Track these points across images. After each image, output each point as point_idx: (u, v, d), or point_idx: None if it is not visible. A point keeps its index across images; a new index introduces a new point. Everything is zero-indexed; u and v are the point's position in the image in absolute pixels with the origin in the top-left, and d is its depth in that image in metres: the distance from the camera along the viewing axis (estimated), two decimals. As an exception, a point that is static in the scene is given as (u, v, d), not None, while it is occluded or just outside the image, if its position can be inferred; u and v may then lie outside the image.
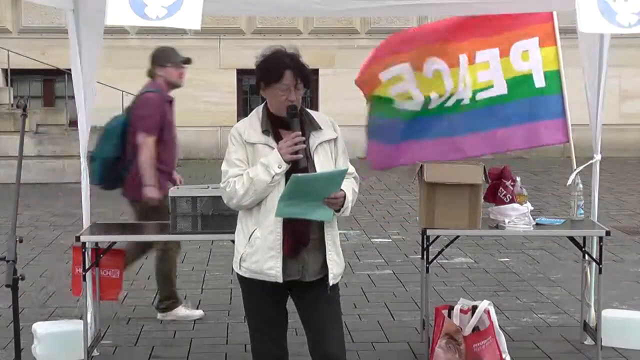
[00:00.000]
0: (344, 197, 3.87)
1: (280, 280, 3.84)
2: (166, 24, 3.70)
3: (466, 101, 5.67)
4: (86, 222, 5.45)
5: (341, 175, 3.84)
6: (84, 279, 5.14)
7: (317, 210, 3.81)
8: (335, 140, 4.01)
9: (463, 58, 5.64)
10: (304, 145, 3.84)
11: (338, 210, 3.88)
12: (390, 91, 5.64)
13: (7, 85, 15.42)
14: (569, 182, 5.60)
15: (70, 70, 5.39)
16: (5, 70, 15.49)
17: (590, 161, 5.60)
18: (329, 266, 3.91)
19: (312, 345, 3.96)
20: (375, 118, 5.74)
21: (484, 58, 5.68)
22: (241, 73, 16.32)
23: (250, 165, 3.88)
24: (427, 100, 5.64)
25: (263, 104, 3.99)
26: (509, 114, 5.70)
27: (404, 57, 5.63)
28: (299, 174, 3.74)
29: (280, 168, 3.79)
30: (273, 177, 3.79)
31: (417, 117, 5.67)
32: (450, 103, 5.66)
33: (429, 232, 5.21)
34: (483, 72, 5.66)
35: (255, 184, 3.80)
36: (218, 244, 8.34)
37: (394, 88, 5.64)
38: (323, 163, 3.91)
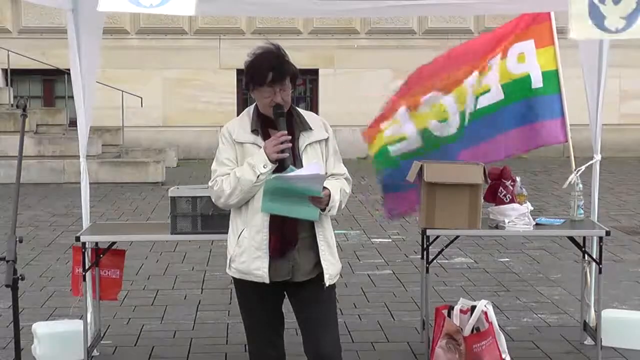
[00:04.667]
0: (329, 195, 3.85)
1: (267, 280, 3.84)
2: (160, 11, 3.68)
3: (471, 109, 5.65)
4: (86, 222, 5.46)
5: (319, 179, 3.80)
6: (84, 279, 5.14)
7: (303, 208, 3.80)
8: (326, 140, 4.00)
9: (467, 81, 5.63)
10: (290, 145, 3.83)
11: (323, 210, 3.86)
12: (385, 134, 5.61)
13: (7, 85, 15.43)
14: (565, 185, 5.61)
15: (70, 70, 5.39)
16: (5, 70, 15.50)
17: (590, 161, 5.60)
18: (324, 266, 3.90)
19: (306, 345, 3.96)
20: (383, 174, 5.70)
21: (486, 66, 5.70)
22: (241, 73, 15.98)
23: (239, 164, 3.89)
24: (425, 132, 5.59)
25: (254, 104, 4.00)
26: (507, 118, 5.70)
27: (397, 104, 5.64)
28: (273, 176, 3.74)
29: (265, 168, 3.78)
30: (258, 177, 3.78)
31: (434, 150, 5.62)
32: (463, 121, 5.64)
33: (429, 232, 5.21)
34: (484, 77, 5.66)
35: (241, 184, 3.81)
36: (218, 244, 8.33)
37: (387, 131, 5.61)
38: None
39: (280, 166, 3.81)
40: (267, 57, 3.87)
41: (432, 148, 5.59)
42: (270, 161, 3.79)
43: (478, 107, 5.66)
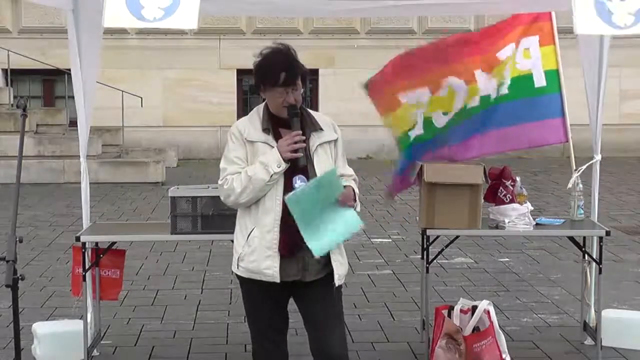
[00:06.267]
0: (352, 190, 3.91)
1: (278, 280, 3.84)
2: (163, 25, 3.70)
3: (494, 95, 5.59)
4: (86, 222, 5.46)
5: (332, 174, 3.83)
6: (84, 279, 5.14)
7: (345, 224, 3.83)
8: (335, 141, 4.02)
9: (479, 73, 5.59)
10: (304, 145, 3.85)
11: (354, 207, 3.91)
12: (410, 117, 5.59)
13: (7, 85, 15.42)
14: (569, 185, 5.59)
15: (70, 70, 5.39)
16: (5, 70, 15.49)
17: (591, 161, 5.60)
18: (334, 266, 3.91)
19: (314, 345, 3.96)
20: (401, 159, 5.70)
21: (507, 54, 5.66)
22: (241, 73, 16.32)
23: (249, 163, 3.89)
24: (426, 122, 5.58)
25: (264, 103, 4.00)
26: (511, 113, 5.69)
27: (420, 82, 5.55)
28: (290, 194, 3.74)
29: (279, 167, 3.80)
30: (271, 176, 3.80)
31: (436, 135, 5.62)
32: (475, 103, 5.59)
33: (429, 232, 5.21)
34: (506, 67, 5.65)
35: (253, 182, 3.81)
36: (218, 244, 8.34)
37: (413, 113, 5.60)
38: (323, 163, 3.91)
39: (293, 166, 3.82)
40: (278, 58, 3.88)
41: (430, 136, 5.59)
42: (284, 160, 3.80)
43: (501, 93, 5.61)
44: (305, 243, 3.82)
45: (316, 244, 3.77)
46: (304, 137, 3.85)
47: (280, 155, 3.81)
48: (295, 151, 3.81)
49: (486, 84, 5.54)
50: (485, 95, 5.58)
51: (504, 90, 5.64)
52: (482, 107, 5.59)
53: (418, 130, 5.60)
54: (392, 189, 5.84)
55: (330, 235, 3.80)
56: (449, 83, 5.51)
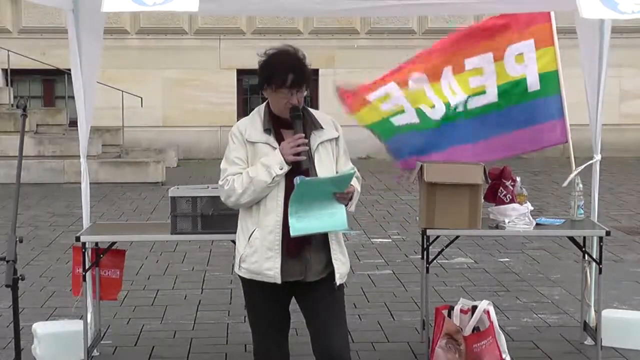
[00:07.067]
0: (352, 191, 3.90)
1: (279, 281, 3.84)
2: (164, 8, 3.66)
3: (460, 108, 5.66)
4: (86, 222, 5.46)
5: (348, 178, 3.85)
6: (84, 279, 5.14)
7: (330, 219, 3.82)
8: (336, 139, 4.01)
9: (447, 70, 5.66)
10: (307, 147, 3.84)
11: (346, 205, 3.89)
12: (381, 108, 5.66)
13: (7, 85, 15.42)
14: (565, 183, 5.61)
15: (70, 70, 5.39)
16: (5, 70, 15.49)
17: (590, 161, 5.60)
18: (335, 266, 3.90)
19: (316, 344, 3.95)
20: (392, 142, 5.74)
21: (475, 64, 5.68)
22: (241, 73, 16.32)
23: (250, 163, 3.88)
24: (419, 112, 5.63)
25: (265, 103, 3.99)
26: (502, 121, 5.70)
27: (388, 79, 5.70)
28: (305, 178, 3.75)
29: (281, 169, 3.79)
30: (273, 178, 3.79)
31: (423, 131, 5.66)
32: (449, 112, 5.66)
33: (429, 232, 5.21)
34: (475, 78, 5.66)
35: (254, 184, 3.80)
36: (218, 244, 8.34)
37: (383, 105, 5.68)
38: (324, 162, 3.91)
39: (295, 168, 3.82)
40: (286, 59, 3.87)
41: (428, 127, 5.63)
42: (287, 163, 3.79)
43: (469, 107, 5.66)
44: (311, 242, 3.84)
45: (296, 223, 3.75)
46: (306, 140, 3.84)
47: (283, 157, 3.80)
48: (298, 154, 3.81)
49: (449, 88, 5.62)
50: (455, 106, 5.64)
51: (492, 99, 5.66)
52: (455, 117, 5.64)
53: (412, 119, 5.63)
54: (403, 170, 5.84)
55: (312, 222, 3.78)
56: (415, 78, 5.57)
